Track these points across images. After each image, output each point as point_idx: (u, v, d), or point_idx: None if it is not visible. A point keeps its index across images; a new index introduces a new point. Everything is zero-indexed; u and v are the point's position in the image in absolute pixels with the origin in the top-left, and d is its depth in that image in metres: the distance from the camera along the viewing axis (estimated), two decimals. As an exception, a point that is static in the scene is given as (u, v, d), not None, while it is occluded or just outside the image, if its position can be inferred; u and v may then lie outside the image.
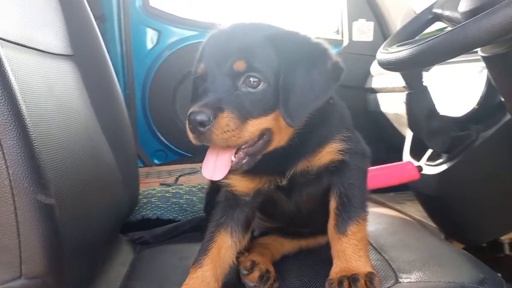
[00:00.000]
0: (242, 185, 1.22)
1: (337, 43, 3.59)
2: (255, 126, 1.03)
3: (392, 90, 2.91)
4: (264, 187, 1.21)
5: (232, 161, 1.04)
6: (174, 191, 2.00)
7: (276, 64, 1.06)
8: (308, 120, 1.12)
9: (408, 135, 2.46)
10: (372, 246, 1.40)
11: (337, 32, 3.69)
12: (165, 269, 1.49)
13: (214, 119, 0.97)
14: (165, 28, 3.43)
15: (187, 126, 1.00)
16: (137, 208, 1.90)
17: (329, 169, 1.21)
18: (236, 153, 1.05)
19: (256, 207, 1.30)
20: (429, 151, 2.12)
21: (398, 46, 1.48)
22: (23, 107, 0.90)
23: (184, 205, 1.93)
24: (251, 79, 1.04)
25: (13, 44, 1.12)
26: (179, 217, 1.89)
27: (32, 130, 0.92)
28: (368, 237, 1.45)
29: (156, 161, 3.44)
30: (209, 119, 0.97)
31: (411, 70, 1.57)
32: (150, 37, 3.45)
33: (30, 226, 0.88)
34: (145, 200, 1.93)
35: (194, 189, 2.04)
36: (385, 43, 1.61)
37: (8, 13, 1.16)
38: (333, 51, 1.15)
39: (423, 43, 1.25)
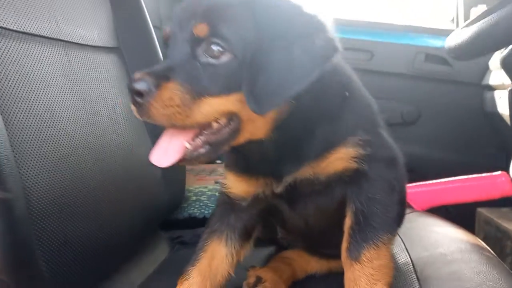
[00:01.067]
0: (238, 187, 1.05)
1: (450, 33, 3.14)
2: (213, 106, 0.84)
3: (504, 87, 2.44)
4: (260, 192, 1.03)
5: (186, 148, 0.86)
6: (225, 190, 1.91)
7: (251, 34, 0.84)
8: (301, 108, 0.91)
9: (520, 141, 2.04)
10: (416, 276, 1.13)
11: (452, 20, 3.24)
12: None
13: (156, 89, 0.80)
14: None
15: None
16: (186, 205, 1.84)
17: (343, 179, 0.99)
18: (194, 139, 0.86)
19: (256, 214, 1.11)
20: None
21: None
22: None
23: (233, 206, 1.82)
24: (213, 47, 0.84)
25: (20, 34, 1.12)
26: (227, 218, 1.79)
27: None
28: (415, 263, 1.20)
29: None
30: (148, 89, 0.79)
31: (473, 58, 1.25)
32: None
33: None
34: (194, 198, 1.87)
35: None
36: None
37: (24, 2, 1.16)
38: (332, 27, 0.90)
39: (483, 22, 0.96)
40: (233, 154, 1.05)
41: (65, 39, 1.30)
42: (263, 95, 0.83)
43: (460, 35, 1.06)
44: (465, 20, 3.04)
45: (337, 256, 1.18)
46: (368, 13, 3.59)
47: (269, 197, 1.03)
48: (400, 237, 1.38)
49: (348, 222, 0.99)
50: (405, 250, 1.29)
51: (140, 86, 0.80)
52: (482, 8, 3.02)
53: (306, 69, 0.84)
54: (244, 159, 0.95)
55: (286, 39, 0.84)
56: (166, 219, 1.72)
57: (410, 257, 1.24)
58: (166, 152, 0.86)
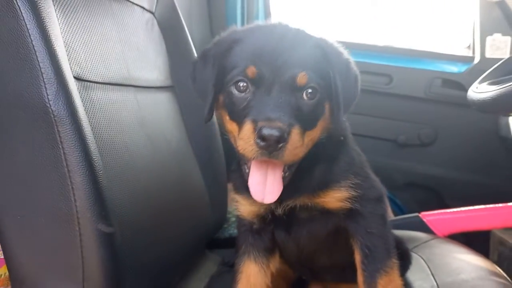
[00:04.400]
0: (245, 208, 1.22)
1: (466, 60, 3.29)
2: (309, 138, 1.04)
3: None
4: (263, 213, 1.19)
5: (283, 177, 1.04)
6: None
7: (327, 74, 1.07)
8: (313, 148, 1.10)
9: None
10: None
11: (469, 47, 3.39)
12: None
13: (288, 135, 0.95)
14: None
15: (251, 139, 0.94)
16: (226, 226, 2.02)
17: (338, 214, 1.17)
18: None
19: (271, 234, 1.27)
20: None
21: (489, 84, 1.34)
22: (92, 147, 1.06)
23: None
24: (310, 90, 1.04)
25: (103, 85, 1.30)
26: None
27: (99, 168, 1.07)
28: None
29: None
30: (285, 136, 0.93)
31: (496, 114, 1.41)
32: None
33: (91, 250, 1.04)
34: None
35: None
36: (480, 78, 1.47)
37: (104, 57, 1.34)
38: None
39: (506, 87, 1.14)
40: (240, 178, 1.20)
41: (135, 84, 1.48)
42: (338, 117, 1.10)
43: (483, 92, 1.22)
44: (481, 48, 3.19)
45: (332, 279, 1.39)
46: (386, 39, 3.73)
47: (269, 219, 1.20)
48: (426, 263, 1.55)
49: (357, 257, 1.17)
50: (431, 275, 1.46)
51: (279, 133, 0.92)
52: (497, 36, 3.18)
53: (355, 91, 1.15)
54: None
55: (344, 72, 1.12)
56: (210, 239, 1.90)
57: (436, 282, 1.41)
58: (269, 186, 1.02)
